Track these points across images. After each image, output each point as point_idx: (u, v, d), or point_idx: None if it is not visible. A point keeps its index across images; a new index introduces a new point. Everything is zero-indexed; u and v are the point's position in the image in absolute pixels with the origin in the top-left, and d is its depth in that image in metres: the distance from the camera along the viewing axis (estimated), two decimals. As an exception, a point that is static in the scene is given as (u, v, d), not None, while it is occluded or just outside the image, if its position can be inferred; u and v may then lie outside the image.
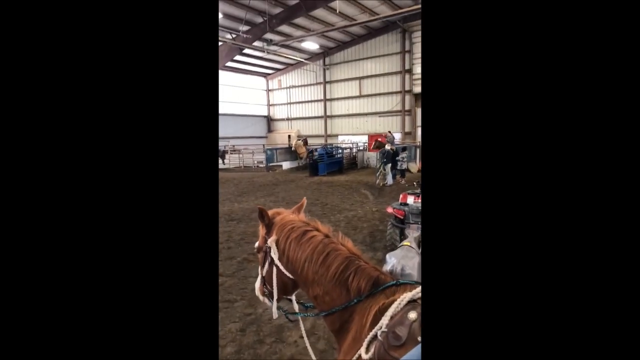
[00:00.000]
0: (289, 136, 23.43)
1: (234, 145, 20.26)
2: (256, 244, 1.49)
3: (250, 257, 4.86)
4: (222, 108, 21.77)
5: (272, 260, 1.38)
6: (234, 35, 15.94)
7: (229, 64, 19.62)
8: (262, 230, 1.46)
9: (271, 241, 1.38)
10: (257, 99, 24.96)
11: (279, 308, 1.46)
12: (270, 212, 1.46)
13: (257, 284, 1.52)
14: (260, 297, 1.51)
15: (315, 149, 16.17)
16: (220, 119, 21.30)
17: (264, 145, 20.81)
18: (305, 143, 17.94)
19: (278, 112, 25.64)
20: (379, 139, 16.15)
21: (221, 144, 19.74)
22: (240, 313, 3.34)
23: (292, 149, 17.75)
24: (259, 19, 15.43)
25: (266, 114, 25.76)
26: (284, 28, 16.87)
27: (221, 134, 20.76)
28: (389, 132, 17.00)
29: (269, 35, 16.72)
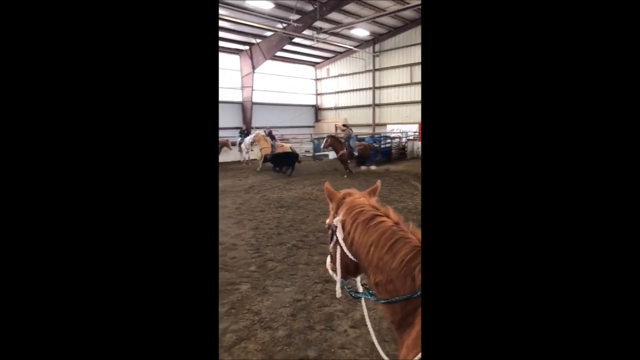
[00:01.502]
0: (335, 126, 23.31)
1: (282, 135, 20.63)
2: (327, 220, 1.51)
3: (299, 244, 4.94)
4: (271, 98, 22.20)
5: (337, 239, 1.39)
6: (284, 25, 16.07)
7: (279, 53, 19.85)
8: (332, 208, 1.47)
9: (337, 221, 1.38)
10: (306, 88, 25.10)
11: (344, 286, 1.45)
12: (341, 192, 1.47)
13: (328, 258, 1.54)
14: (330, 272, 1.52)
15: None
16: (269, 108, 21.81)
17: (311, 134, 20.96)
18: (271, 137, 14.09)
19: (326, 101, 25.61)
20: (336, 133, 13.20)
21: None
22: (291, 298, 3.41)
23: (253, 142, 14.03)
24: (310, 7, 15.38)
25: (314, 103, 25.86)
26: (334, 15, 16.65)
27: (270, 123, 21.27)
28: (344, 125, 13.60)
29: (318, 24, 16.62)
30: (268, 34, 16.95)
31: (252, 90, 19.58)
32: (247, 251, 4.69)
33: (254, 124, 19.20)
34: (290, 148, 13.48)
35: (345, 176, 11.16)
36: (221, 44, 18.05)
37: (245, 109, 20.02)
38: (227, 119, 19.03)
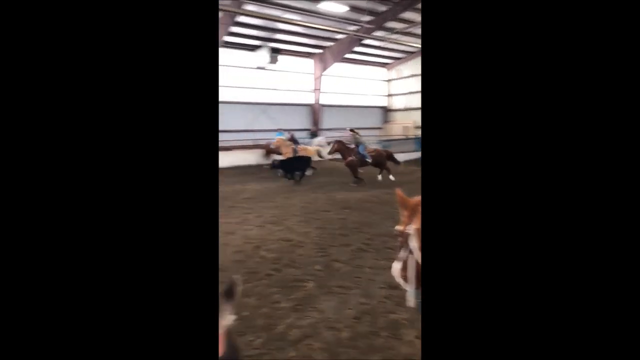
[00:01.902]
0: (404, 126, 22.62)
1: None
2: (397, 227, 1.47)
3: (364, 247, 4.90)
4: (342, 100, 22.39)
5: (410, 248, 1.34)
6: (357, 28, 16.08)
7: (350, 55, 19.92)
8: (404, 216, 1.43)
9: (411, 229, 1.33)
10: (375, 89, 24.83)
11: (416, 296, 1.40)
12: (414, 199, 1.42)
13: (397, 266, 1.48)
14: (397, 279, 1.47)
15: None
16: (337, 110, 22.02)
17: (378, 136, 20.66)
18: (294, 141, 12.94)
19: (396, 103, 25.04)
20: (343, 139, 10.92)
21: (337, 135, 20.37)
22: (355, 301, 3.39)
23: (271, 146, 12.53)
24: (383, 8, 15.17)
25: (383, 104, 25.44)
26: (407, 14, 16.20)
27: (338, 125, 21.43)
28: (351, 129, 11.15)
29: (391, 24, 16.31)
30: (340, 36, 17.10)
31: (320, 92, 19.94)
32: (312, 249, 4.79)
33: (324, 126, 19.56)
34: (318, 153, 12.26)
35: (352, 184, 9.81)
36: (295, 48, 18.73)
37: (315, 111, 20.48)
38: (299, 121, 19.64)
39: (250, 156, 15.52)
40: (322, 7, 14.62)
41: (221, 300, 0.81)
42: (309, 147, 12.98)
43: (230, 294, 0.83)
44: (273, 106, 18.94)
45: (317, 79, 20.00)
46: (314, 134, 16.22)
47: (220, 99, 16.84)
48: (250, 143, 16.40)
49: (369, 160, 10.30)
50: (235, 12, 12.71)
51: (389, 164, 10.69)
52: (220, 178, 10.85)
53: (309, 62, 20.25)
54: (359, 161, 10.19)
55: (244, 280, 3.69)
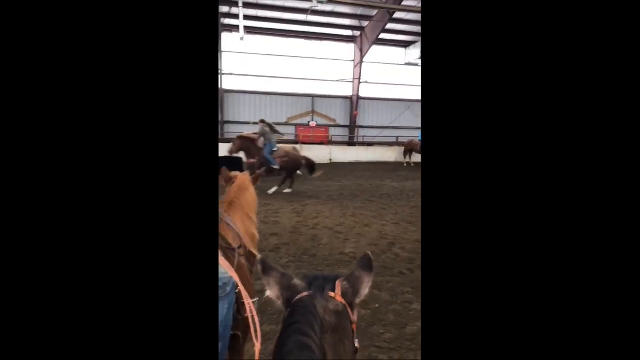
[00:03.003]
0: None
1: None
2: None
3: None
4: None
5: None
6: None
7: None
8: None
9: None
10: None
11: None
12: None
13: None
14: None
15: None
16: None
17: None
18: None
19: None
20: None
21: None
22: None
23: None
24: None
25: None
26: None
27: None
28: (262, 121, 8.27)
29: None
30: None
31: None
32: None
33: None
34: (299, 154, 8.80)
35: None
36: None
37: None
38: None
39: (391, 153, 15.53)
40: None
41: (362, 272, 0.94)
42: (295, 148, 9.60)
43: (369, 266, 0.96)
44: (419, 103, 18.40)
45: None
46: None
47: (364, 95, 17.37)
48: (392, 140, 16.38)
49: (277, 166, 7.79)
50: (392, 9, 12.77)
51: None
52: (361, 173, 11.23)
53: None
54: (260, 165, 7.70)
55: (376, 274, 3.75)
